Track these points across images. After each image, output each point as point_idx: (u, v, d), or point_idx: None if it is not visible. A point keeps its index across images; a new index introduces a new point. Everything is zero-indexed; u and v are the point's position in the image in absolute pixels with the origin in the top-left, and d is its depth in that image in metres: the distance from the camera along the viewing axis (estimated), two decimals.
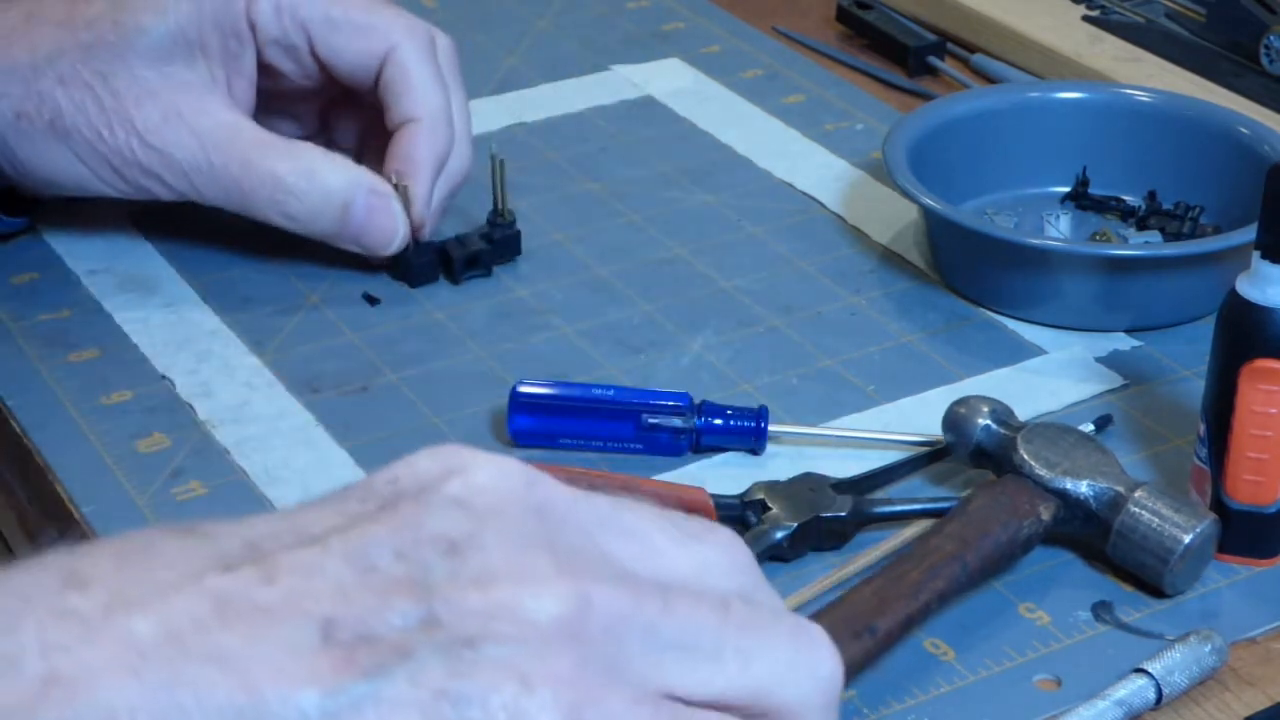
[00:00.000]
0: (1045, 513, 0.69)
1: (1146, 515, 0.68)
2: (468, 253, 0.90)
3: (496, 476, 0.48)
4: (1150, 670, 0.64)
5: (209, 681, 0.42)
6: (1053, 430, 0.72)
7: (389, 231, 0.88)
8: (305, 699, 0.43)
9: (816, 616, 0.63)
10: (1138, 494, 0.69)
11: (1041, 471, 0.70)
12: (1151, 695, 0.64)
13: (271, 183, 0.85)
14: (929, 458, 0.77)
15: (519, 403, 0.77)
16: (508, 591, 0.45)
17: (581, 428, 0.77)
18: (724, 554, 0.50)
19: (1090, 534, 0.70)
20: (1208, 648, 0.65)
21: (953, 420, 0.73)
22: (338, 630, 0.44)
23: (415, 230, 0.89)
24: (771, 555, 0.71)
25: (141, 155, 0.84)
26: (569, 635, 0.45)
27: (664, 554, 0.49)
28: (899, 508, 0.73)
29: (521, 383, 0.78)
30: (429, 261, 0.90)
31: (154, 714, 0.42)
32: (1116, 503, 0.69)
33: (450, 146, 0.90)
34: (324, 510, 0.47)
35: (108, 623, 0.43)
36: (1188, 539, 0.67)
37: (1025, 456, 0.70)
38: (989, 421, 0.72)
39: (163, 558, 0.44)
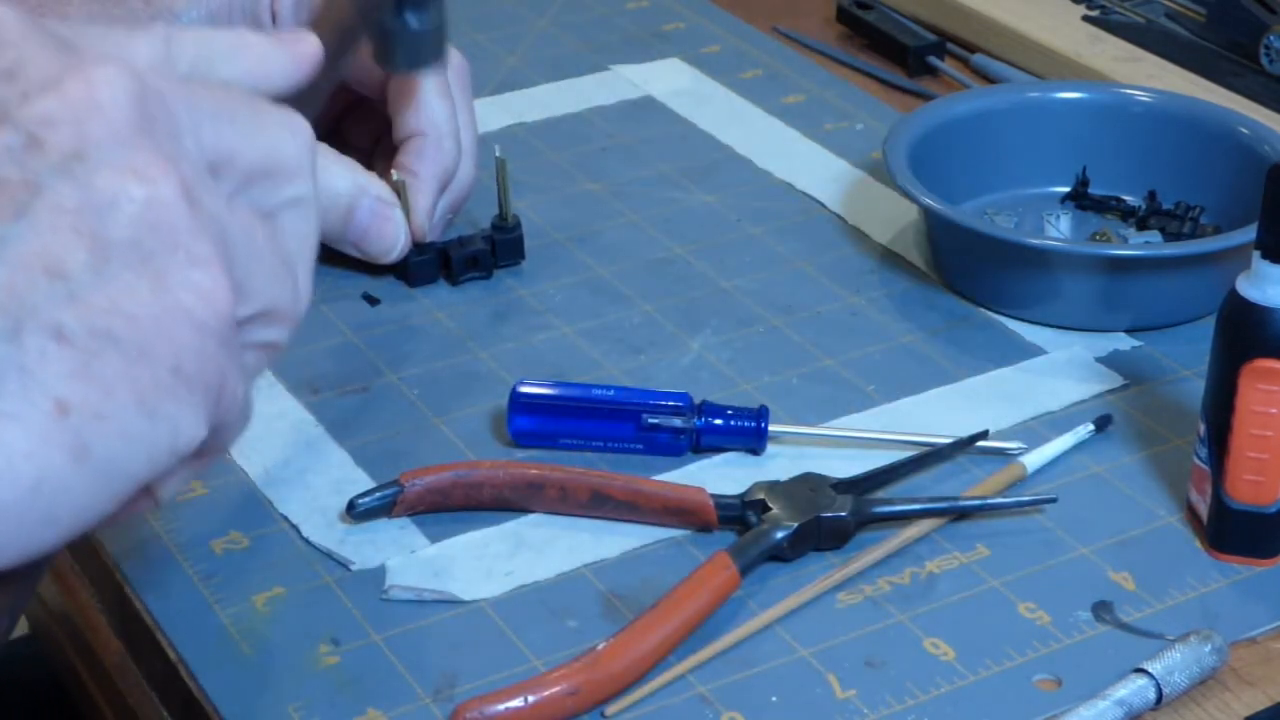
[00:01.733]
0: None
1: None
2: (467, 254, 0.90)
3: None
4: (1150, 670, 0.64)
5: None
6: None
7: (390, 239, 0.88)
8: None
9: None
10: None
11: None
12: (1151, 695, 0.64)
13: None
14: (929, 458, 0.77)
15: (519, 403, 0.78)
16: (77, 87, 0.48)
17: (582, 428, 0.77)
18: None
19: None
20: (1208, 648, 0.65)
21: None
22: None
23: (415, 240, 0.89)
24: (772, 555, 0.71)
25: None
26: (143, 116, 0.49)
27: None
28: (899, 508, 0.73)
29: (521, 383, 0.78)
30: (429, 261, 0.90)
31: None
32: None
33: (456, 162, 0.90)
34: None
35: None
36: None
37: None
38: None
39: None
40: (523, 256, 0.92)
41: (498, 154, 0.90)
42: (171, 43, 0.55)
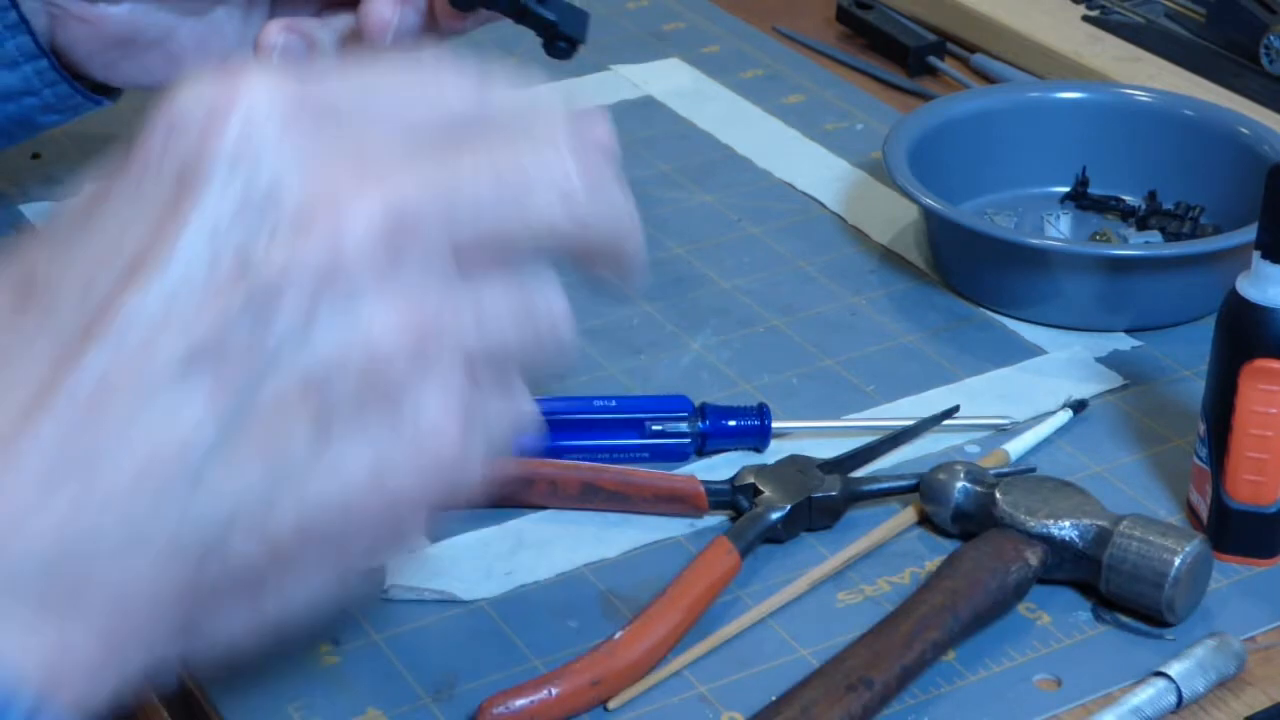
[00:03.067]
0: (1033, 558, 0.69)
1: (1135, 544, 0.68)
2: None
3: (266, 102, 0.46)
4: (1170, 674, 0.64)
5: (114, 471, 0.44)
6: (1029, 480, 0.72)
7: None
8: (199, 439, 0.45)
9: (812, 675, 0.64)
10: (1123, 525, 0.68)
11: (1023, 519, 0.70)
12: (1172, 699, 0.64)
13: None
14: (910, 432, 0.78)
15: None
16: (325, 229, 0.45)
17: (586, 441, 0.77)
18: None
19: (1083, 573, 0.69)
20: (1227, 652, 0.65)
21: (930, 487, 0.73)
22: (192, 365, 0.45)
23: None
24: (767, 538, 0.71)
25: None
26: (393, 250, 0.46)
27: (441, 93, 0.50)
28: (887, 484, 0.74)
29: None
30: None
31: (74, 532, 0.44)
32: (1102, 538, 0.68)
33: None
34: (122, 219, 0.46)
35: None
36: (1179, 560, 0.67)
37: (1005, 508, 0.70)
38: (965, 482, 0.72)
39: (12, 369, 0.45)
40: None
41: None
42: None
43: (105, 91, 0.87)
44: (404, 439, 0.47)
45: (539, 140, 0.49)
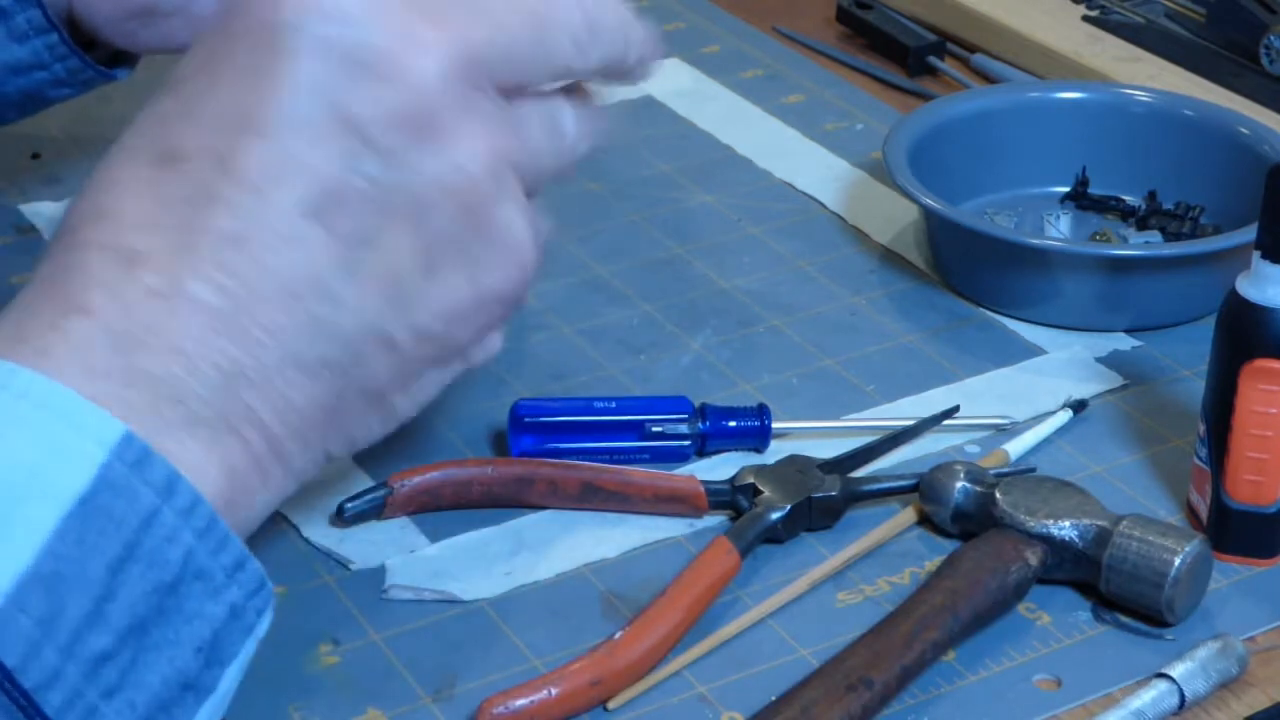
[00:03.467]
0: (1033, 558, 0.69)
1: (1135, 544, 0.68)
2: None
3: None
4: (1173, 675, 0.64)
5: (264, 304, 0.51)
6: (1029, 480, 0.72)
7: None
8: (330, 274, 0.52)
9: (812, 675, 0.64)
10: (1123, 525, 0.68)
11: (1023, 519, 0.70)
12: (1175, 701, 0.64)
13: None
14: (910, 432, 0.78)
15: (520, 423, 0.77)
16: (411, 73, 0.52)
17: (586, 443, 0.77)
18: None
19: (1083, 574, 0.69)
20: (1230, 655, 0.65)
21: (929, 486, 0.73)
22: (313, 210, 0.52)
23: None
24: (767, 538, 0.72)
25: None
26: (466, 86, 0.53)
27: None
28: (887, 484, 0.74)
29: (521, 403, 0.77)
30: None
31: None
32: (1102, 538, 0.68)
33: None
34: (228, 81, 0.52)
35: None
36: (1179, 560, 0.67)
37: (1005, 508, 0.70)
38: (965, 482, 0.72)
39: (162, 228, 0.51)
40: None
41: None
42: None
43: (119, 63, 0.87)
44: (496, 250, 0.56)
45: None
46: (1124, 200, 0.96)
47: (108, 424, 0.48)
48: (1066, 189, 0.97)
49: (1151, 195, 0.95)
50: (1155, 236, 0.93)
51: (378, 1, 0.52)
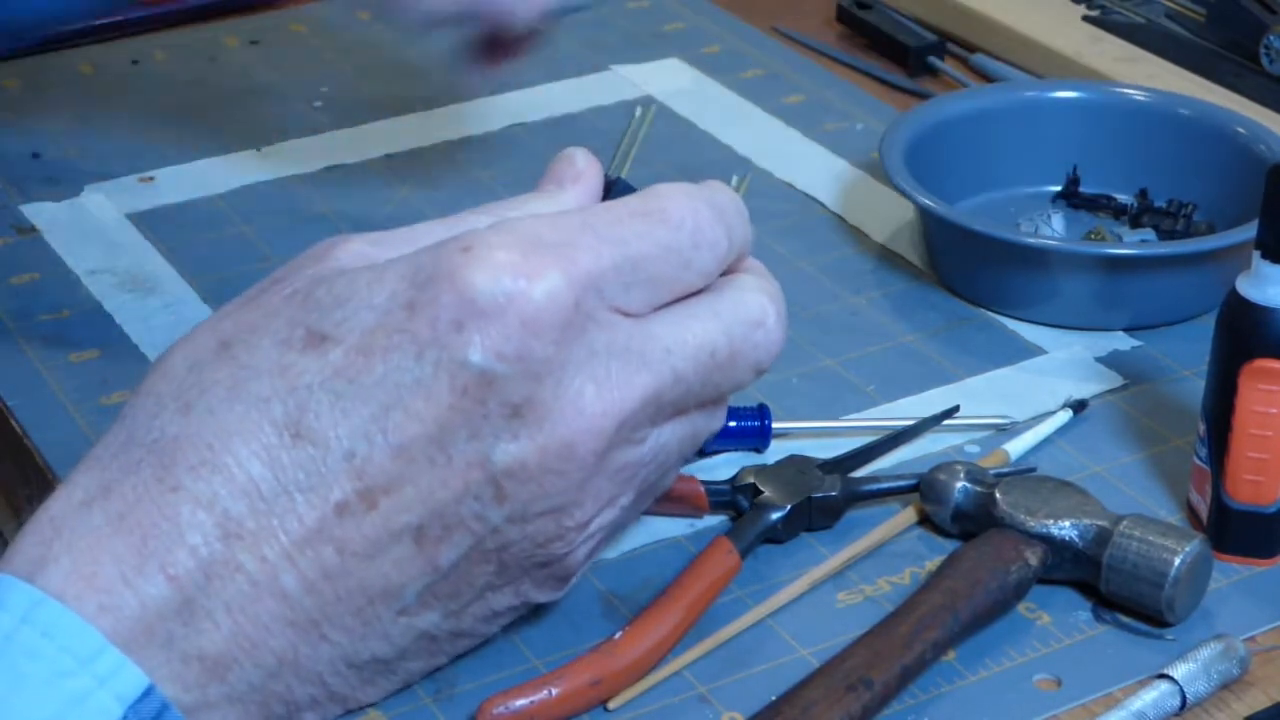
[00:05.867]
0: (1033, 558, 0.68)
1: (1135, 544, 0.68)
2: None
3: (547, 304, 0.54)
4: (1174, 675, 0.64)
5: (342, 605, 0.53)
6: (1029, 480, 0.72)
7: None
8: (411, 588, 0.54)
9: (812, 675, 0.64)
10: (1123, 525, 0.68)
11: (1023, 519, 0.70)
12: (1176, 702, 0.64)
13: None
14: (910, 432, 0.77)
15: None
16: (556, 434, 0.54)
17: None
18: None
19: (1083, 574, 0.69)
20: (1232, 656, 0.65)
21: (929, 486, 0.73)
22: (420, 529, 0.53)
23: None
24: (767, 538, 0.71)
25: None
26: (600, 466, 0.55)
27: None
28: (887, 484, 0.74)
29: None
30: None
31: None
32: (1102, 538, 0.68)
33: None
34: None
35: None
36: (1179, 560, 0.67)
37: (1005, 508, 0.70)
38: (965, 482, 0.72)
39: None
40: None
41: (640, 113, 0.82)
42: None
43: None
44: (553, 579, 0.59)
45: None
46: (1115, 198, 0.96)
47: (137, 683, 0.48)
48: (1059, 188, 0.97)
49: (1143, 193, 0.95)
50: (1149, 234, 0.93)
51: (572, 359, 0.54)
